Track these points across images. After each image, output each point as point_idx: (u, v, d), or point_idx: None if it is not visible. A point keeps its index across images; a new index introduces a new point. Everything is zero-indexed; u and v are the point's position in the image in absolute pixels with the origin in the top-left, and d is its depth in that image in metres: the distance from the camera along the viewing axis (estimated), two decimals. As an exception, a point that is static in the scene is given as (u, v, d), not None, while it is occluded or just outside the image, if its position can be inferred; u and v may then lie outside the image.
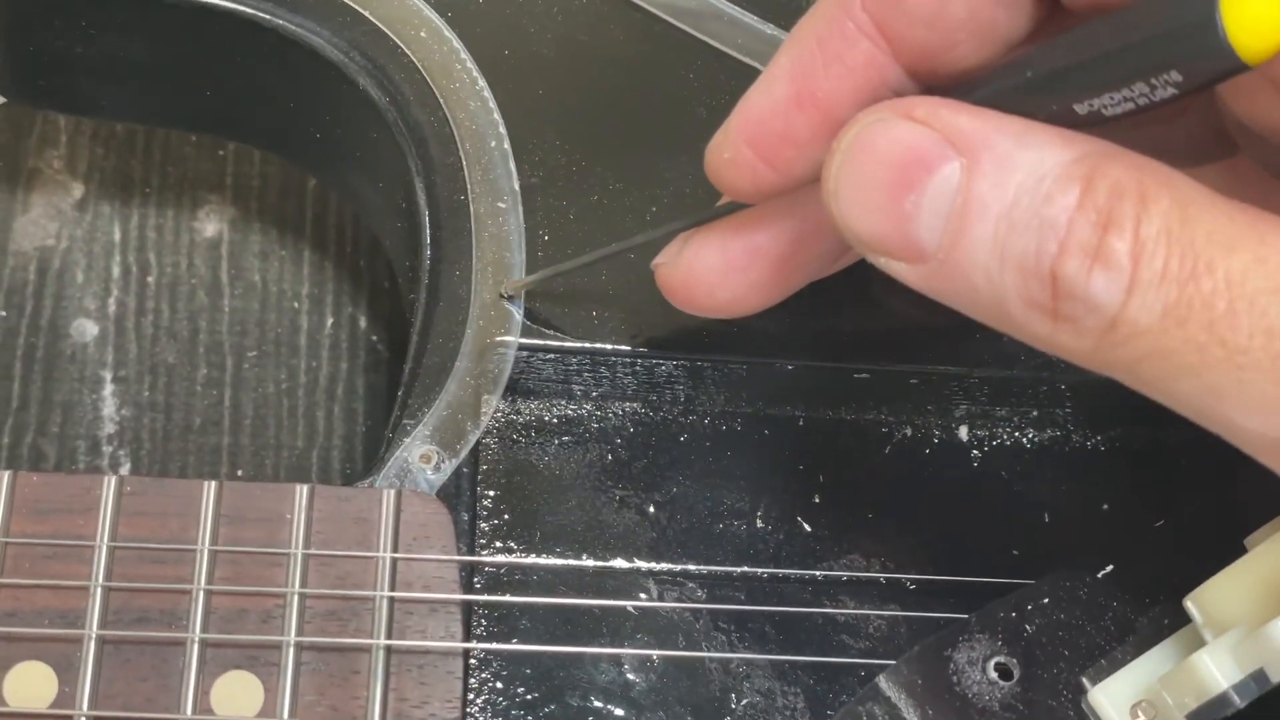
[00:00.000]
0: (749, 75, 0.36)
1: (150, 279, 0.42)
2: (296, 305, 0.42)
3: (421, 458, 0.33)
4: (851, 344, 0.35)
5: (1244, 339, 0.24)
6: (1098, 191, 0.24)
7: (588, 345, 0.34)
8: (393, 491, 0.32)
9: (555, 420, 0.34)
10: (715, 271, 0.31)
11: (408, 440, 0.33)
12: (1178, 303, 0.24)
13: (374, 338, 0.42)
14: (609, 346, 0.34)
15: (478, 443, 0.33)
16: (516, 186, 0.35)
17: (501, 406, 0.34)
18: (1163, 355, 0.24)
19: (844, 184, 0.26)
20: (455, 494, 0.33)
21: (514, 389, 0.34)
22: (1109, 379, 0.34)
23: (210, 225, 0.43)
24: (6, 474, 0.31)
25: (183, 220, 0.43)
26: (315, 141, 0.38)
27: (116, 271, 0.42)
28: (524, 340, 0.34)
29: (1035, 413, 0.36)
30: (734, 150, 0.29)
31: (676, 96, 0.36)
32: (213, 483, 0.31)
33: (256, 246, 0.43)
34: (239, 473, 0.41)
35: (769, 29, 0.36)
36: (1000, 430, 0.36)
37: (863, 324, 0.35)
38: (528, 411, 0.34)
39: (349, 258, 0.43)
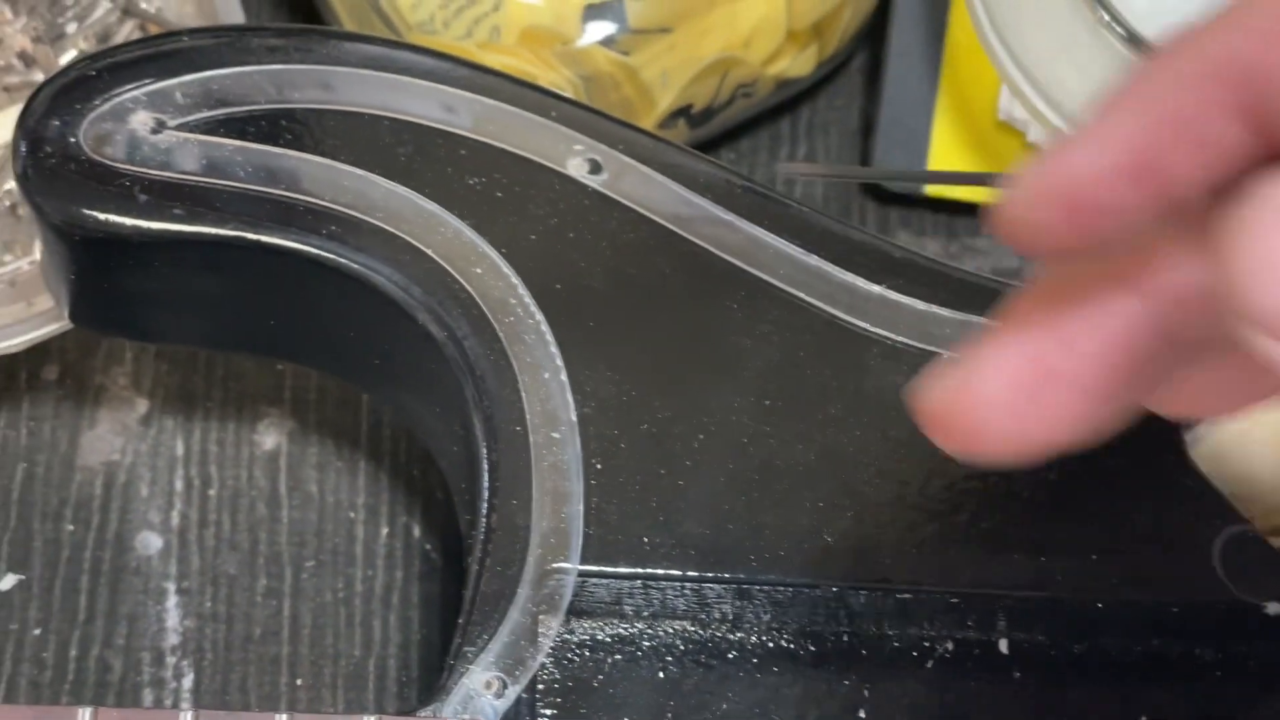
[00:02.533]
0: (790, 305, 0.38)
1: (212, 492, 0.44)
2: (353, 515, 0.44)
3: (485, 685, 0.34)
4: (893, 564, 0.36)
5: None
6: None
7: (642, 570, 0.36)
8: (458, 722, 0.33)
9: (608, 639, 0.36)
10: (1005, 400, 0.26)
11: (471, 667, 0.34)
12: None
13: (428, 546, 0.44)
14: (661, 571, 0.36)
15: (539, 657, 0.35)
16: (574, 417, 0.36)
17: (557, 627, 0.35)
18: None
19: (1255, 246, 0.23)
20: (514, 717, 0.34)
21: (569, 609, 0.35)
22: (1146, 595, 0.35)
23: (269, 438, 0.45)
24: (88, 710, 0.32)
25: (243, 434, 0.45)
26: (374, 368, 0.40)
27: (179, 485, 0.44)
28: (582, 566, 0.35)
29: (1070, 627, 0.37)
30: (1041, 212, 0.25)
31: (721, 327, 0.38)
32: (284, 715, 0.33)
33: (314, 458, 0.45)
34: (299, 682, 0.42)
35: (812, 260, 0.38)
36: (1039, 641, 0.37)
37: (904, 544, 0.36)
38: (582, 631, 0.36)
39: (403, 468, 0.45)
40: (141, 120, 0.37)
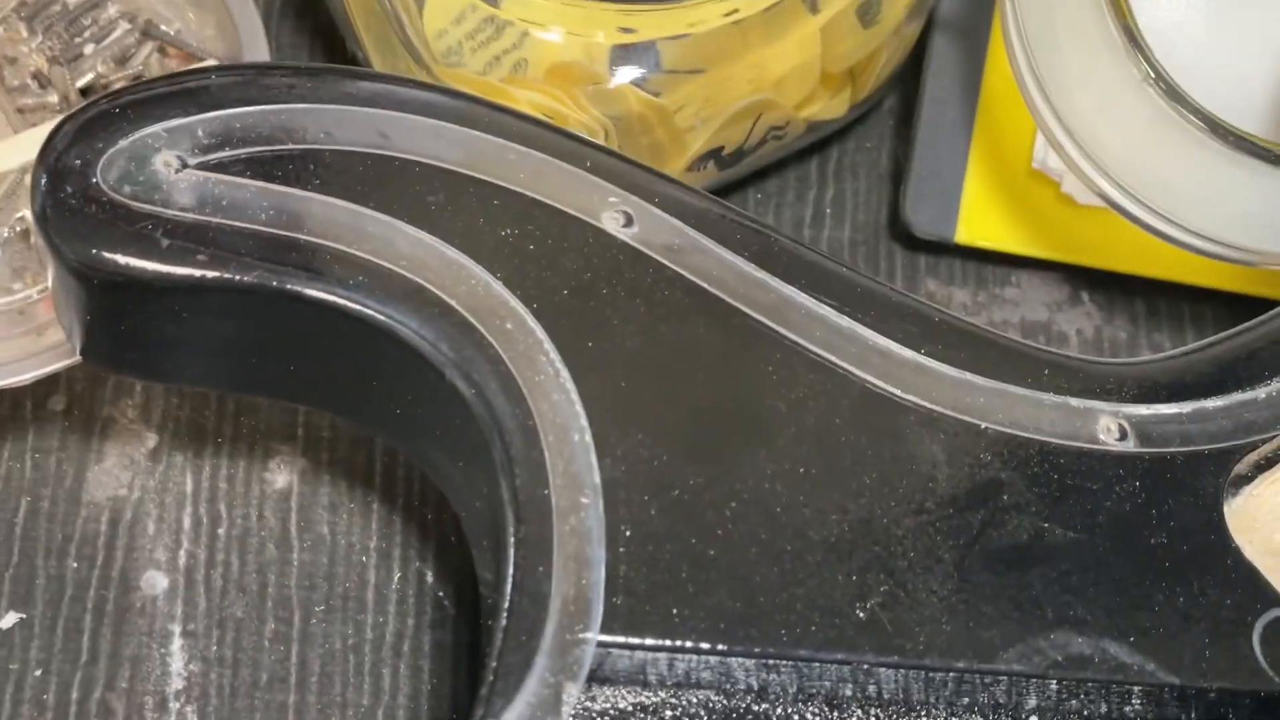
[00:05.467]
0: (825, 370, 0.37)
1: (221, 531, 0.43)
2: (364, 559, 0.43)
3: (505, 759, 0.33)
4: (926, 640, 0.35)
5: None
6: None
7: (669, 643, 0.35)
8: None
9: (630, 707, 0.35)
10: None
11: (493, 743, 0.33)
12: None
13: (440, 593, 0.43)
14: (689, 644, 0.35)
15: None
16: (598, 480, 0.35)
17: (577, 695, 0.34)
18: None
19: None
20: (535, 791, 0.33)
21: (590, 676, 0.35)
22: (1182, 679, 0.34)
23: (281, 477, 0.44)
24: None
25: (254, 471, 0.44)
26: (395, 416, 0.39)
27: (187, 523, 0.43)
28: (606, 637, 0.34)
29: (1104, 708, 0.36)
30: None
31: (754, 390, 0.37)
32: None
33: (326, 499, 0.44)
34: (305, 731, 0.41)
35: (845, 323, 0.37)
36: (1069, 722, 0.36)
37: (937, 619, 0.36)
38: (603, 699, 0.35)
39: (417, 510, 0.44)
40: (163, 160, 0.36)
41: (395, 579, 0.43)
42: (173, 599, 0.42)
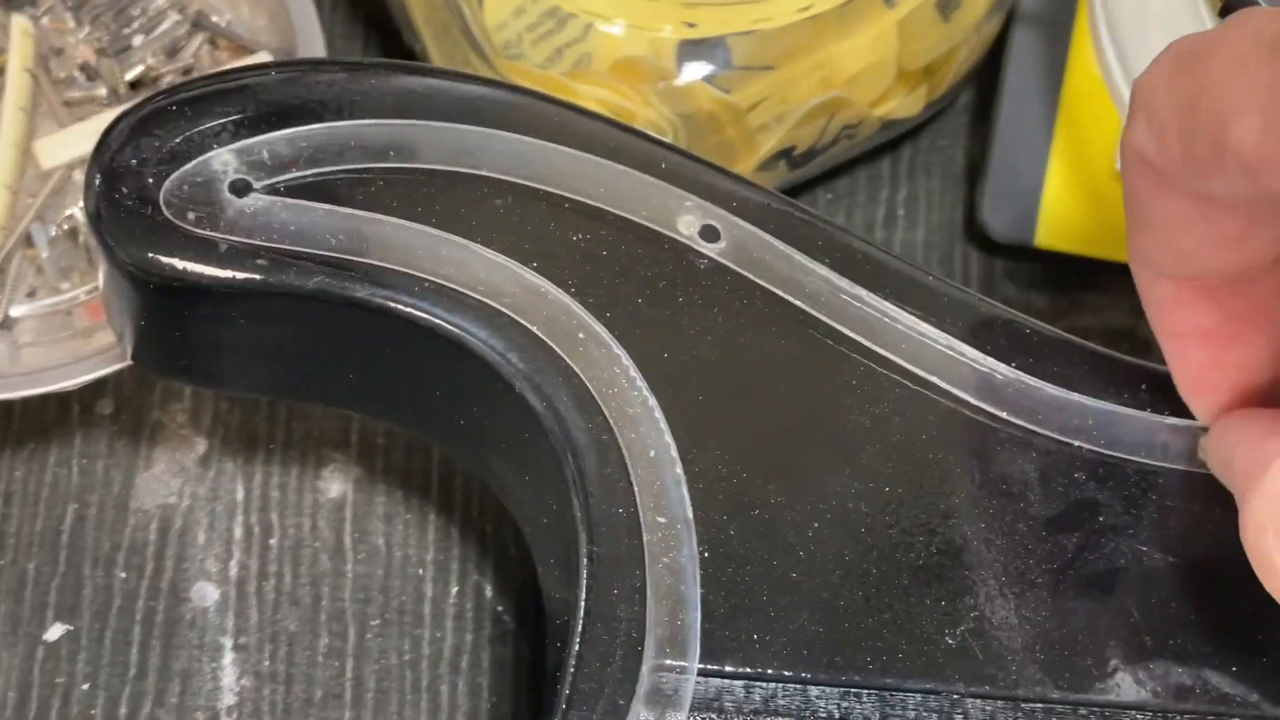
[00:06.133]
0: (913, 383, 0.35)
1: (273, 541, 0.41)
2: (421, 572, 0.41)
3: (583, 791, 0.32)
4: (1018, 670, 0.34)
5: None
6: None
7: (750, 670, 0.33)
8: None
9: (706, 736, 0.33)
10: None
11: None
12: None
13: (500, 608, 0.41)
14: (771, 671, 0.33)
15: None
16: (689, 509, 0.33)
17: (649, 717, 0.33)
18: None
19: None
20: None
21: (653, 700, 0.33)
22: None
23: (334, 485, 0.42)
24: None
25: (306, 479, 0.42)
26: (459, 427, 0.37)
27: (239, 533, 0.41)
28: (689, 664, 0.33)
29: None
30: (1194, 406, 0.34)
31: (839, 406, 0.35)
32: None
33: (381, 509, 0.42)
34: (360, 751, 0.40)
35: (932, 333, 0.35)
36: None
37: (1031, 649, 0.34)
38: (677, 725, 0.33)
39: (475, 522, 0.42)
40: (228, 182, 0.34)
41: (453, 592, 0.41)
42: (224, 611, 0.41)
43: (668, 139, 0.41)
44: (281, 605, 0.41)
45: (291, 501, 0.42)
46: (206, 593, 0.41)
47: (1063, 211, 0.45)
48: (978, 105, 0.47)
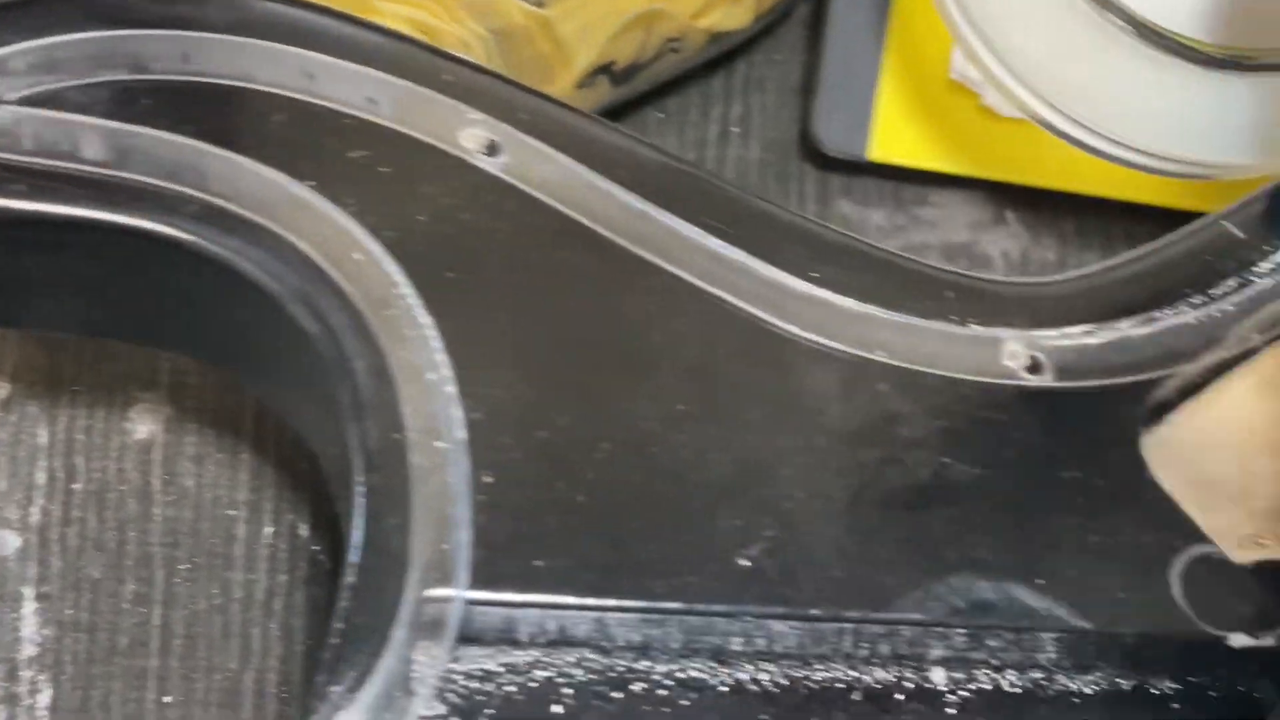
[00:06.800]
0: (705, 300, 0.34)
1: (77, 485, 0.40)
2: (233, 513, 0.40)
3: (354, 731, 0.30)
4: (818, 588, 0.33)
5: None
6: None
7: (532, 597, 0.32)
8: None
9: (498, 668, 0.32)
10: None
11: (340, 717, 0.30)
12: None
13: (316, 547, 0.40)
14: (557, 598, 0.32)
15: (418, 700, 0.31)
16: (462, 431, 0.32)
17: (440, 654, 0.32)
18: None
19: None
20: (390, 764, 0.31)
21: (455, 638, 0.32)
22: (1095, 624, 0.31)
23: (143, 426, 0.41)
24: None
25: (113, 421, 0.41)
26: (245, 356, 0.36)
27: (41, 478, 0.40)
28: (467, 594, 0.31)
29: (1016, 656, 0.33)
30: None
31: (632, 327, 0.34)
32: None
33: (191, 449, 0.41)
34: (167, 698, 0.38)
35: (729, 251, 0.34)
36: (978, 674, 0.33)
37: (829, 566, 0.33)
38: (469, 660, 0.32)
39: (290, 460, 0.41)
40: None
41: (267, 534, 0.40)
42: (24, 559, 0.39)
43: (475, 57, 0.40)
44: (86, 551, 0.39)
45: (98, 444, 0.40)
46: (6, 540, 0.39)
47: (895, 123, 0.43)
48: (814, 19, 0.46)
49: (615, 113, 0.43)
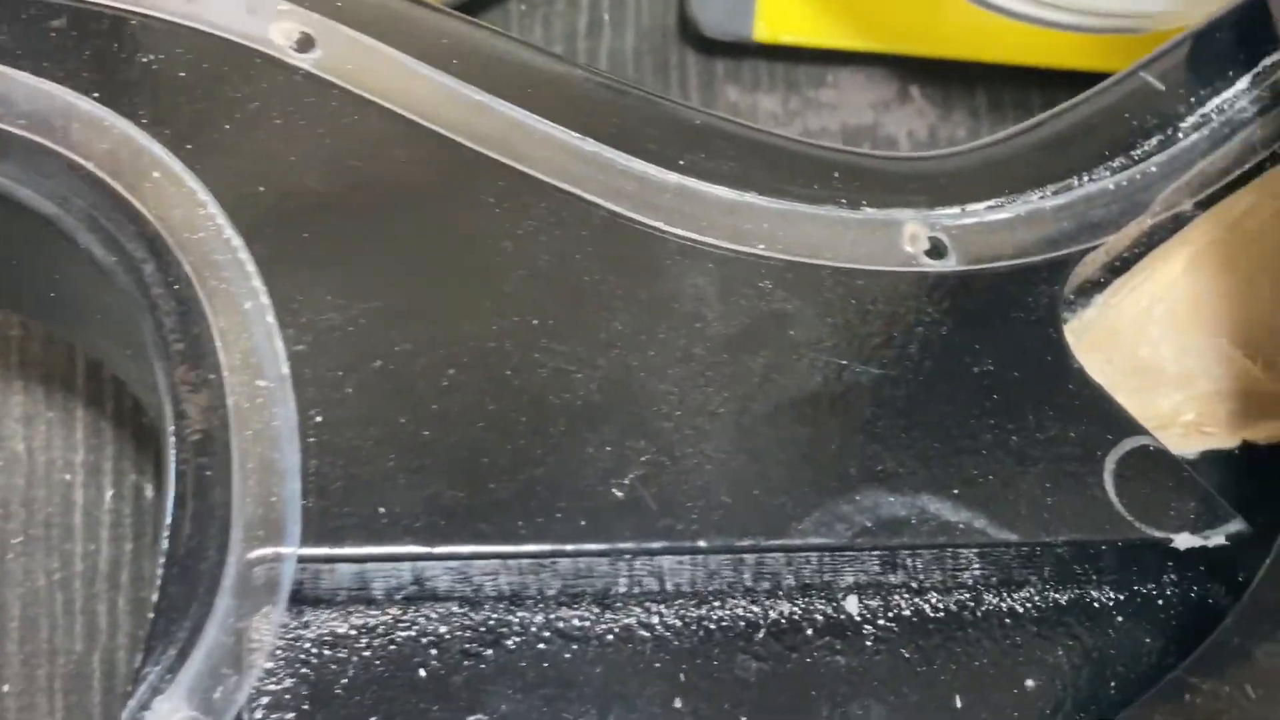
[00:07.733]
0: (558, 198, 0.30)
1: (-109, 458, 0.36)
2: (69, 477, 0.37)
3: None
4: (706, 516, 0.29)
5: None
6: None
7: (373, 550, 0.28)
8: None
9: (352, 631, 0.28)
10: None
11: (159, 703, 0.26)
12: None
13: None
14: (398, 548, 0.28)
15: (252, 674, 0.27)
16: (284, 359, 0.28)
17: (285, 619, 0.28)
18: None
19: None
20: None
21: (298, 598, 0.28)
22: (1021, 536, 0.28)
23: (-38, 388, 0.37)
24: None
25: (-71, 384, 0.37)
26: (51, 302, 0.32)
27: None
28: (300, 550, 0.28)
29: (939, 577, 0.30)
30: None
31: (476, 234, 0.30)
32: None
33: (19, 409, 0.37)
34: (5, 687, 0.35)
35: (584, 144, 0.30)
36: (896, 599, 0.30)
37: (716, 490, 0.29)
38: (318, 624, 0.28)
39: (129, 415, 0.37)
40: None
41: (108, 498, 0.37)
42: None
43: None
44: (-95, 531, 0.36)
45: (-88, 410, 0.37)
46: None
47: (779, 4, 0.39)
48: (687, -109, 0.42)
49: (473, 6, 0.39)
